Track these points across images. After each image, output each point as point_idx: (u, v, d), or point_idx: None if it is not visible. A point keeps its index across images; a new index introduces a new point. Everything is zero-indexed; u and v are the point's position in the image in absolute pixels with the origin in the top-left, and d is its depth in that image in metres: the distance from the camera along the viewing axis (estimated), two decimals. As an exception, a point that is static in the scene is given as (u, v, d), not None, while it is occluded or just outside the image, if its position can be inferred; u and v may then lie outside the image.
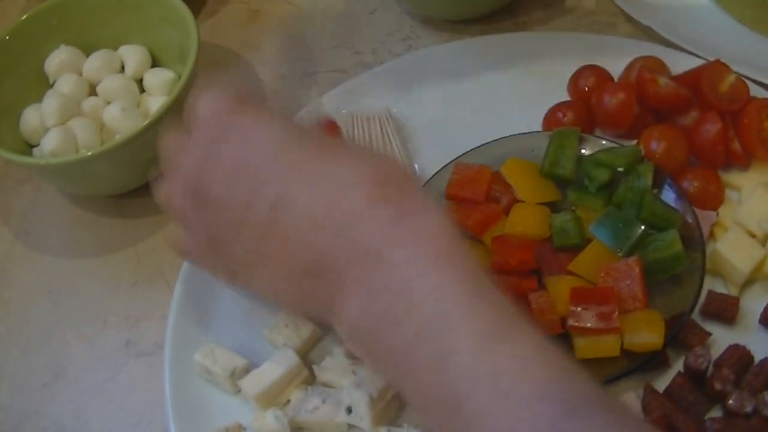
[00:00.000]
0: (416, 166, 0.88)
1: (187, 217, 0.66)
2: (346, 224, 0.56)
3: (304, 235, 0.58)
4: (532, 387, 0.48)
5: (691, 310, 0.71)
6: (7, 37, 0.95)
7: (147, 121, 0.83)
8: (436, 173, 0.83)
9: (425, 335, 0.52)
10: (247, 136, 0.61)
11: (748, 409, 0.65)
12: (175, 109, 0.85)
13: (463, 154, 0.83)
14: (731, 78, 0.84)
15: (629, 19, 0.97)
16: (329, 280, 0.58)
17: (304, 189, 0.59)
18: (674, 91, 0.83)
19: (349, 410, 0.71)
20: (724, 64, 0.84)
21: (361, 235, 0.56)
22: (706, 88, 0.83)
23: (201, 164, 0.63)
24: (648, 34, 0.94)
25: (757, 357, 0.69)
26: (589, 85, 0.88)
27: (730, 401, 0.66)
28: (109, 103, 0.93)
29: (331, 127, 0.80)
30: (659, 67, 0.87)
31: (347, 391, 0.71)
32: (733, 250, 0.74)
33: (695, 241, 0.74)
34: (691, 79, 0.85)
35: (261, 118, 0.62)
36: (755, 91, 0.85)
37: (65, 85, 0.95)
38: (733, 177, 0.81)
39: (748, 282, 0.74)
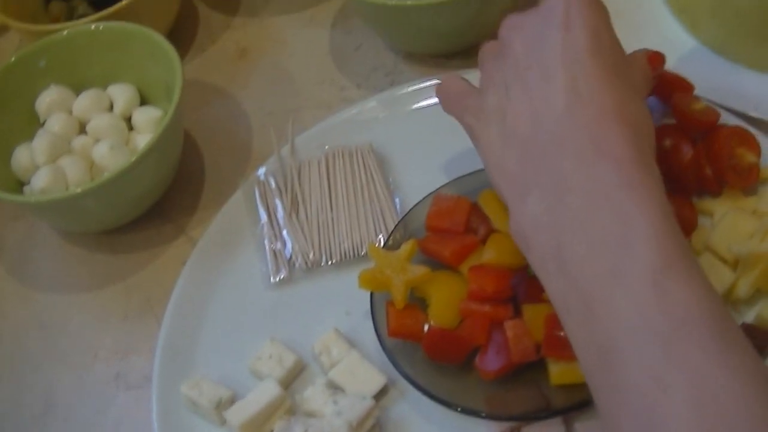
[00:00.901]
0: (397, 199, 0.89)
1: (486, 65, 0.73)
2: (564, 121, 0.62)
3: (537, 108, 0.64)
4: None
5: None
6: (-2, 78, 0.97)
7: (134, 159, 0.85)
8: (415, 205, 0.84)
9: (600, 248, 0.56)
10: (563, 22, 0.66)
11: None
12: (161, 146, 0.88)
13: (442, 186, 0.84)
14: (701, 105, 0.85)
15: (607, 50, 0.98)
16: (530, 157, 0.64)
17: (564, 79, 0.64)
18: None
19: (330, 438, 0.73)
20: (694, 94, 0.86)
21: (575, 133, 0.61)
22: (678, 111, 0.85)
23: (523, 25, 0.70)
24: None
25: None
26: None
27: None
28: (98, 141, 0.95)
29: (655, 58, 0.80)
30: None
31: (328, 420, 0.73)
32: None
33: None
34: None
35: (585, 18, 0.66)
36: (726, 117, 0.86)
37: (55, 123, 0.97)
38: (705, 203, 0.82)
39: (721, 306, 0.76)
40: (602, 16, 0.68)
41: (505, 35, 0.71)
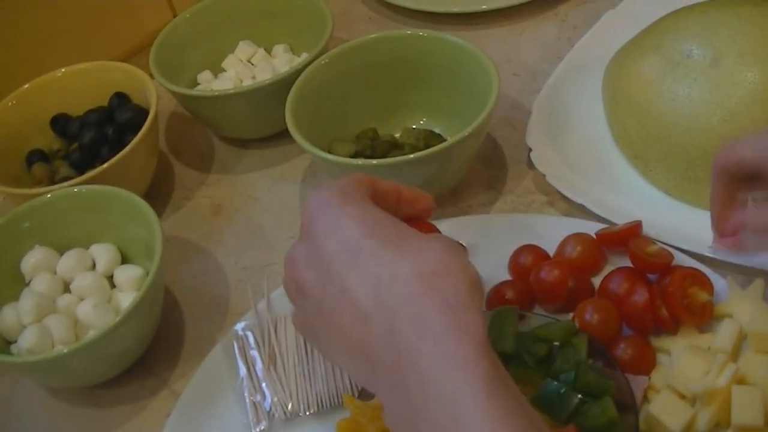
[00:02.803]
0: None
1: (293, 300, 0.71)
2: (388, 317, 0.59)
3: (355, 326, 0.62)
4: None
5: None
6: (-17, 243, 1.01)
7: (118, 318, 0.89)
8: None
9: None
10: (329, 230, 0.65)
11: None
12: (144, 305, 0.91)
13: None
14: (655, 248, 0.91)
15: (564, 197, 1.03)
16: (372, 368, 0.61)
17: (360, 279, 0.62)
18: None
19: None
20: (647, 237, 0.92)
21: (399, 331, 0.58)
22: (633, 254, 0.90)
23: (298, 258, 0.68)
24: (583, 210, 1.01)
25: None
26: (527, 263, 0.94)
27: None
28: (82, 299, 0.99)
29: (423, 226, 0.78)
30: (588, 241, 0.95)
31: None
32: (665, 412, 0.79)
33: (628, 406, 0.79)
34: (617, 238, 0.94)
35: (344, 211, 0.66)
36: (682, 258, 0.91)
37: (40, 284, 1.00)
38: (663, 342, 0.86)
39: (681, 441, 0.80)
40: (351, 202, 0.67)
41: (295, 276, 0.69)
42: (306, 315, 0.69)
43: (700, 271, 0.88)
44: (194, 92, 1.22)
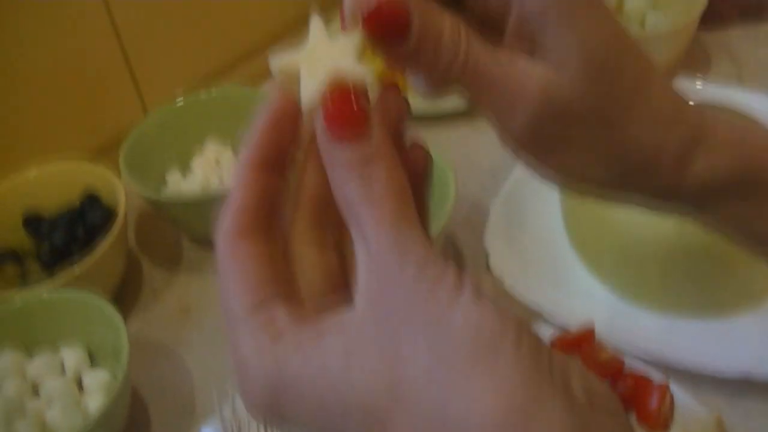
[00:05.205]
0: None
1: None
2: None
3: None
4: None
5: None
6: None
7: (86, 426, 0.91)
8: None
9: None
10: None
11: None
12: (111, 411, 0.93)
13: None
14: (607, 355, 0.93)
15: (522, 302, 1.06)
16: None
17: None
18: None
19: None
20: (600, 344, 0.94)
21: None
22: (587, 358, 0.92)
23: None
24: (540, 316, 1.04)
25: None
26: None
27: None
28: (50, 403, 1.00)
29: None
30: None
31: None
32: None
33: None
34: (571, 344, 0.95)
35: None
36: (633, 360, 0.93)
37: (10, 388, 1.02)
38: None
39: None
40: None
41: None
42: None
43: (649, 379, 0.91)
44: (162, 198, 1.25)
